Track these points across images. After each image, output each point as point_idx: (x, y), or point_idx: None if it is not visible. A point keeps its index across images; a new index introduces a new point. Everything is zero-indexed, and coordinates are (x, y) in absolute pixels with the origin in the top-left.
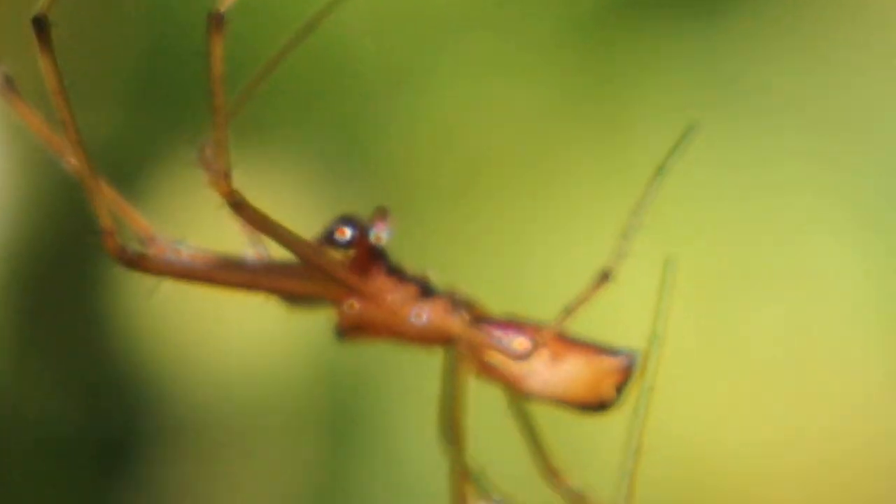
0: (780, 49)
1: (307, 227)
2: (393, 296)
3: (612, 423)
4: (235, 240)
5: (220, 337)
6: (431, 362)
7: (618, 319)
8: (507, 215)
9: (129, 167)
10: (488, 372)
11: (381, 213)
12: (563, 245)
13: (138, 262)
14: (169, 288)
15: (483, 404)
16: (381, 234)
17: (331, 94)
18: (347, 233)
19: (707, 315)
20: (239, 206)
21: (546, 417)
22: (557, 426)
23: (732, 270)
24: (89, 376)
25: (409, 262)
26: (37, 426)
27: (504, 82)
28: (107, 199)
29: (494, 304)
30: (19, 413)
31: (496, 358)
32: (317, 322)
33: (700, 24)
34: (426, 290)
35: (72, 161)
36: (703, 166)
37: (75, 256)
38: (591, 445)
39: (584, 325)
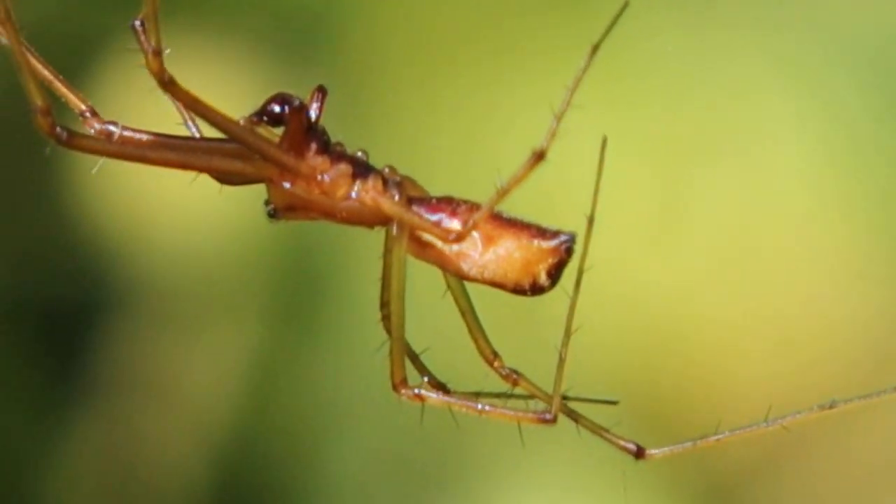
0: None
1: (244, 108)
2: (326, 174)
3: (557, 302)
4: (171, 118)
5: (172, 206)
6: (377, 239)
7: (560, 199)
8: (467, 97)
9: (64, 50)
10: (424, 253)
11: (318, 92)
12: (515, 121)
13: (72, 141)
14: (115, 161)
15: (429, 285)
16: (315, 112)
17: None
18: (279, 110)
19: (661, 184)
20: (169, 85)
21: (486, 298)
22: (496, 306)
23: (682, 137)
24: (34, 248)
25: (353, 142)
26: None
27: None
28: (40, 76)
29: (443, 180)
30: None
31: (430, 239)
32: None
33: None
34: (361, 169)
35: (1, 35)
36: (652, 33)
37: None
38: (530, 324)
39: (521, 205)
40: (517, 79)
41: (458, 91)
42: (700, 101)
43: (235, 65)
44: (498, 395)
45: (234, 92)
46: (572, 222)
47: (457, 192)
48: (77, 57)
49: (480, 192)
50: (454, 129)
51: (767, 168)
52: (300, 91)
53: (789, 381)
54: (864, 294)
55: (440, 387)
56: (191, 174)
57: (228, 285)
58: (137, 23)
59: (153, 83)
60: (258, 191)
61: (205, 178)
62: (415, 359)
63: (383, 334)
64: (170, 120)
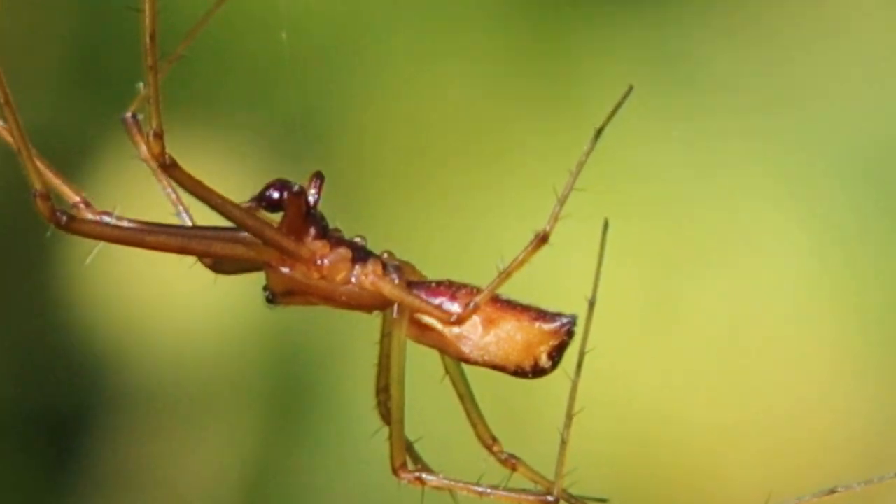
0: (724, 28)
1: (241, 195)
2: (325, 259)
3: (557, 388)
4: (162, 211)
5: (165, 306)
6: (374, 324)
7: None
8: (453, 189)
9: (62, 150)
10: (423, 336)
11: (316, 178)
12: (509, 218)
13: (70, 223)
14: (109, 258)
15: (425, 370)
16: (314, 197)
17: (274, 71)
18: (278, 196)
19: (649, 288)
20: (171, 168)
21: (490, 382)
22: (500, 390)
23: (675, 239)
24: (29, 347)
25: (348, 228)
26: None
27: (451, 60)
28: (39, 167)
29: (441, 270)
30: None
31: (430, 322)
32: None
33: (648, 4)
34: (360, 254)
35: (2, 130)
36: (646, 141)
37: (12, 226)
38: (529, 407)
39: (523, 289)
40: (510, 182)
41: (451, 196)
42: (689, 208)
43: (226, 161)
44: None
45: (226, 186)
46: (571, 306)
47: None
48: (68, 148)
49: (478, 277)
50: (443, 238)
51: (756, 277)
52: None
53: (783, 487)
54: (857, 396)
55: (435, 474)
56: (187, 267)
57: (221, 381)
58: (129, 115)
59: (147, 172)
60: (253, 280)
61: (200, 271)
62: (409, 447)
63: (378, 421)
64: (162, 213)
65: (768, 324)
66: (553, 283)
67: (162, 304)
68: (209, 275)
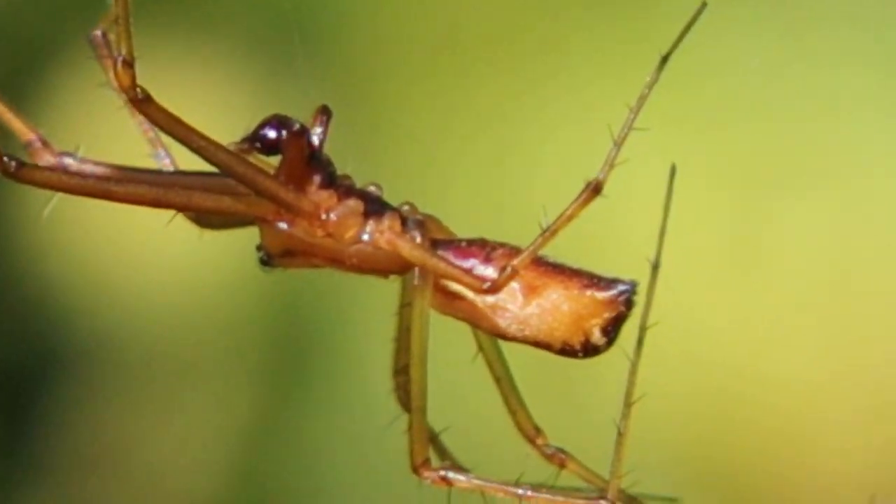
0: None
1: (231, 132)
2: (332, 213)
3: (614, 368)
4: (137, 149)
5: (142, 260)
6: (391, 290)
7: (611, 242)
8: (498, 110)
9: (12, 71)
10: (451, 307)
11: (321, 114)
12: (550, 147)
13: (24, 174)
14: (74, 204)
15: (449, 345)
16: (319, 138)
17: None
18: (275, 135)
19: (734, 219)
20: (143, 103)
21: (527, 360)
22: (538, 370)
23: (761, 162)
24: None
25: (360, 172)
26: None
27: None
28: None
29: (464, 223)
30: None
31: (460, 290)
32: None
33: None
34: (374, 206)
35: None
36: (725, 32)
37: None
38: (580, 395)
39: (570, 248)
40: (551, 87)
41: (479, 105)
42: (785, 118)
43: (218, 72)
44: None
45: (215, 109)
46: (631, 269)
47: (481, 234)
48: (22, 71)
49: (510, 234)
50: (477, 150)
51: (865, 201)
52: (290, 107)
53: (884, 456)
54: None
55: (464, 472)
56: (165, 214)
57: (206, 346)
58: (99, 32)
59: (118, 103)
60: (247, 234)
61: (180, 222)
62: (434, 439)
63: (395, 407)
64: (137, 151)
65: (876, 260)
66: (608, 241)
67: (138, 257)
68: (193, 228)
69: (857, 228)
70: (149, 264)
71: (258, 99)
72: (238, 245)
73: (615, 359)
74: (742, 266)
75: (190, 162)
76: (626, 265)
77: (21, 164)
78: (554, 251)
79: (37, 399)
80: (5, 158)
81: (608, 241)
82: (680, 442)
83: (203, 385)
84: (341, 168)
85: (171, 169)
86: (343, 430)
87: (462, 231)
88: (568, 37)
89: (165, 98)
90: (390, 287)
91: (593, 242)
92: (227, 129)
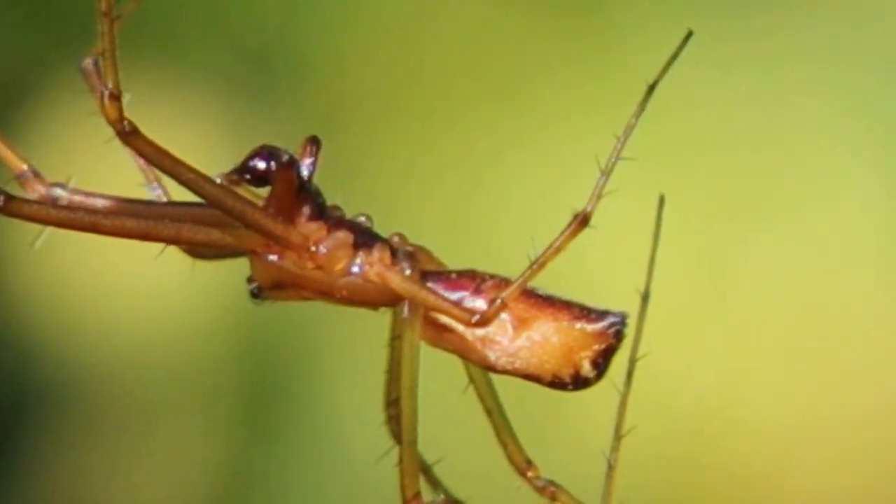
0: None
1: (218, 164)
2: (322, 244)
3: (598, 400)
4: (129, 179)
5: (122, 291)
6: (376, 323)
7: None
8: (467, 145)
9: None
10: (441, 339)
11: (311, 144)
12: (537, 182)
13: (12, 208)
14: (55, 234)
15: (441, 377)
16: (308, 169)
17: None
18: (264, 167)
19: (706, 260)
20: (131, 136)
21: (516, 393)
22: (528, 404)
23: (734, 195)
24: None
25: (344, 204)
26: None
27: None
28: None
29: (450, 255)
30: None
31: (450, 323)
32: (233, 275)
33: None
34: (364, 238)
35: None
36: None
37: None
38: (569, 427)
39: (558, 280)
40: (521, 122)
41: (450, 140)
42: (758, 150)
43: (196, 108)
44: None
45: (197, 139)
46: (618, 301)
47: (457, 264)
48: (12, 101)
49: (485, 260)
50: (448, 184)
51: (838, 233)
52: (270, 138)
53: (857, 495)
54: None
55: None
56: (155, 247)
57: (185, 379)
58: (89, 61)
59: (108, 133)
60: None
61: (172, 252)
62: (426, 471)
63: (386, 440)
64: (129, 180)
65: (847, 296)
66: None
67: (118, 288)
68: (170, 259)
69: (830, 264)
70: (125, 300)
71: (234, 133)
72: (224, 279)
73: (604, 391)
74: (714, 302)
75: (183, 192)
76: (613, 296)
77: (9, 198)
78: (543, 282)
79: (10, 435)
80: None
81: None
82: (655, 474)
83: (180, 422)
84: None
85: (163, 200)
86: (325, 467)
87: (443, 250)
88: (538, 71)
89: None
90: (373, 320)
91: (580, 272)
92: (207, 164)
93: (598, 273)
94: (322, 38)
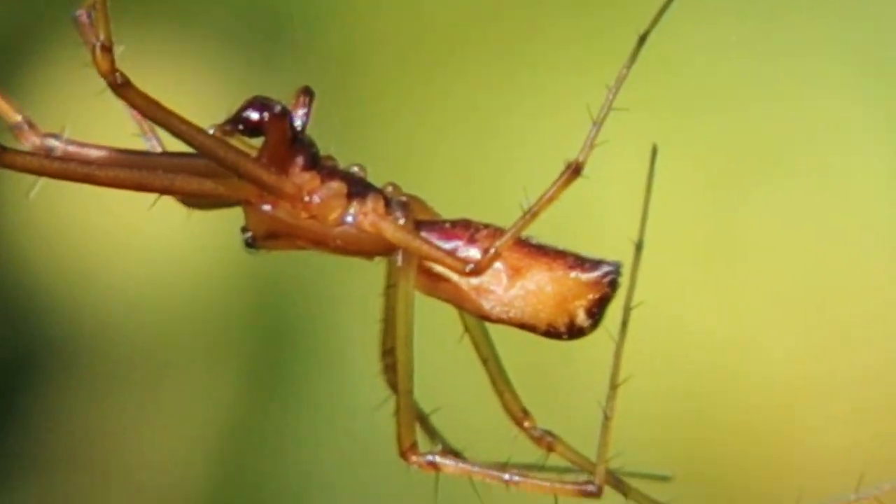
0: None
1: (212, 116)
2: (315, 194)
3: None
4: (124, 129)
5: (116, 244)
6: (379, 272)
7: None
8: (474, 99)
9: None
10: (435, 288)
11: (303, 94)
12: (531, 128)
13: (4, 159)
14: (55, 186)
15: (437, 326)
16: (301, 120)
17: None
18: (257, 117)
19: (713, 204)
20: (122, 88)
21: (512, 342)
22: (525, 352)
23: (740, 146)
24: None
25: (341, 153)
26: None
27: None
28: None
29: (446, 203)
30: None
31: (444, 272)
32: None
33: None
34: (357, 188)
35: None
36: (696, 20)
37: None
38: (567, 374)
39: (552, 229)
40: (531, 76)
41: (458, 94)
42: (763, 102)
43: (196, 63)
44: (529, 465)
45: (196, 94)
46: (614, 249)
47: (464, 216)
48: (7, 53)
49: (492, 215)
50: (456, 138)
51: (845, 185)
52: (274, 93)
53: (865, 453)
54: None
55: (455, 454)
56: (149, 197)
57: (191, 332)
58: (83, 13)
59: (102, 85)
60: (232, 215)
61: (166, 202)
62: (423, 420)
63: (383, 389)
64: (124, 131)
65: (858, 247)
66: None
67: (119, 235)
68: (177, 208)
69: (835, 214)
70: (131, 252)
71: (234, 90)
72: (222, 229)
73: (599, 340)
74: (720, 253)
75: (178, 143)
76: (609, 245)
77: (3, 149)
78: (538, 231)
79: (16, 393)
80: None
81: (589, 222)
82: (663, 425)
83: (186, 378)
84: (322, 143)
85: (158, 150)
86: (328, 422)
87: (443, 208)
88: (543, 26)
89: (144, 84)
90: (373, 271)
91: (575, 222)
92: (205, 120)
93: (594, 223)
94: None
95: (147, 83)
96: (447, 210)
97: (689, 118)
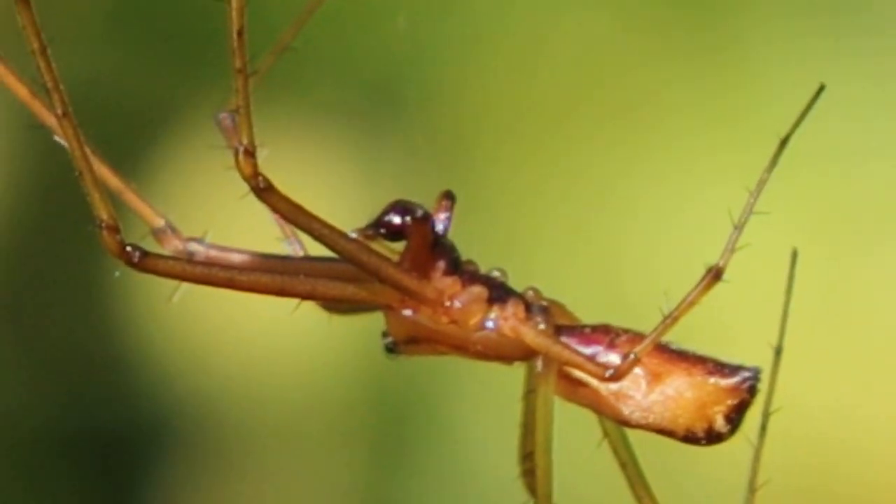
0: None
1: (351, 202)
2: (456, 300)
3: (734, 453)
4: (266, 231)
5: (249, 343)
6: (509, 374)
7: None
8: (584, 182)
9: (134, 137)
10: (575, 394)
11: (445, 198)
12: (657, 220)
13: (147, 264)
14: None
15: (575, 430)
16: (443, 224)
17: (371, 47)
18: (399, 222)
19: (840, 314)
20: (265, 192)
21: (650, 445)
22: (662, 455)
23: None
24: (95, 390)
25: (474, 255)
26: (42, 430)
27: (582, 11)
28: (104, 182)
29: (583, 307)
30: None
31: (583, 377)
32: (364, 329)
33: None
34: (498, 292)
35: (59, 133)
36: (828, 127)
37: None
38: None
39: (690, 333)
40: (647, 140)
41: (567, 168)
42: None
43: (328, 146)
44: None
45: (333, 179)
46: (747, 353)
47: (570, 302)
48: (151, 155)
49: (603, 303)
50: (569, 205)
51: None
52: (398, 168)
53: None
54: None
55: None
56: (291, 301)
57: (314, 426)
58: (225, 115)
59: (245, 188)
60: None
61: (306, 305)
62: None
63: (522, 493)
64: (266, 233)
65: None
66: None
67: (253, 330)
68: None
69: None
70: (261, 343)
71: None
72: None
73: (736, 445)
74: (847, 348)
75: (319, 246)
76: (746, 349)
77: (144, 254)
78: (675, 336)
79: (138, 474)
80: (129, 248)
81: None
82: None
83: (306, 467)
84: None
85: (300, 254)
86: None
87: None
88: (652, 95)
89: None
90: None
91: (711, 325)
92: (334, 204)
93: (730, 326)
94: (444, 68)
95: (282, 172)
96: (562, 287)
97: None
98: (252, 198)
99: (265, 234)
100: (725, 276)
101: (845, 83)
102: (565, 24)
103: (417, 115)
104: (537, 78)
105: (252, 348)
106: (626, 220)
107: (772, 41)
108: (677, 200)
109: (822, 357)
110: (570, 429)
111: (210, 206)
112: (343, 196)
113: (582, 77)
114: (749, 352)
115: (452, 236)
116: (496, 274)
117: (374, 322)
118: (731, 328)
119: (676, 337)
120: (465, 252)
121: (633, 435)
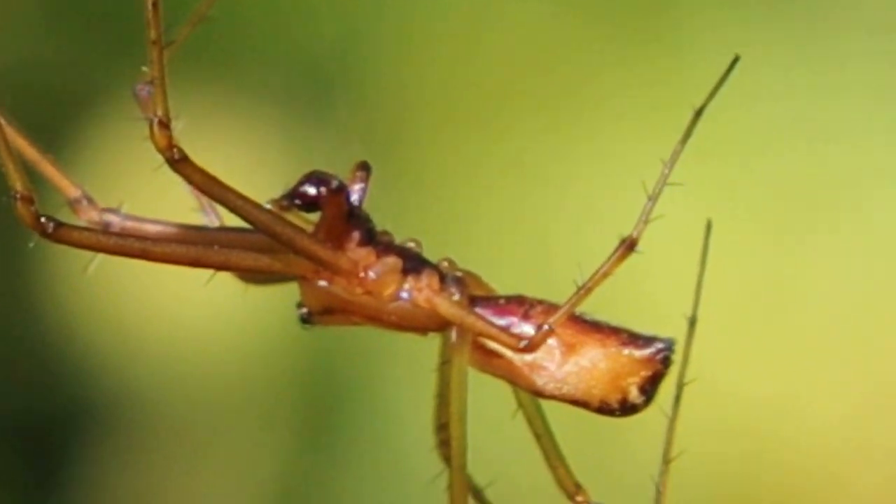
0: None
1: (268, 187)
2: (371, 270)
3: (648, 422)
4: (181, 202)
5: (176, 310)
6: (428, 346)
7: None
8: (519, 164)
9: (51, 109)
10: (489, 365)
11: (361, 169)
12: (590, 201)
13: (61, 235)
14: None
15: (490, 401)
16: (358, 195)
17: (307, 27)
18: (314, 193)
19: (761, 255)
20: (180, 163)
21: (565, 416)
22: (578, 427)
23: (789, 189)
24: (18, 365)
25: (394, 228)
26: None
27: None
28: (20, 153)
29: (501, 278)
30: None
31: (498, 348)
32: (285, 299)
33: None
34: (413, 264)
35: None
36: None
37: None
38: (620, 449)
39: (611, 306)
40: (577, 126)
41: (503, 151)
42: (806, 147)
43: (254, 122)
44: None
45: (256, 156)
46: (666, 325)
47: (503, 279)
48: (64, 125)
49: (534, 280)
50: (504, 189)
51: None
52: (326, 151)
53: None
54: None
55: None
56: (206, 272)
57: (242, 400)
58: (143, 87)
59: (160, 159)
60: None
61: (223, 277)
62: (478, 494)
63: (437, 463)
64: (182, 204)
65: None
66: (641, 294)
67: (172, 306)
68: (228, 279)
69: (887, 261)
70: (183, 319)
71: (290, 147)
72: (276, 301)
73: (651, 416)
74: (765, 322)
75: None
76: (660, 320)
77: (59, 225)
78: (590, 306)
79: (65, 453)
80: (43, 218)
81: (641, 296)
82: (709, 496)
83: (235, 446)
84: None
85: (216, 224)
86: (379, 490)
87: (494, 260)
88: (588, 80)
89: (199, 154)
90: (423, 341)
91: (625, 296)
92: (262, 182)
93: (645, 298)
94: (378, 51)
95: (205, 146)
96: (496, 265)
97: (740, 170)
98: (167, 169)
99: (183, 206)
100: (640, 247)
101: (783, 67)
102: (503, 8)
103: (353, 96)
104: (475, 62)
105: (176, 325)
106: (559, 199)
107: (707, 28)
108: (610, 182)
109: (746, 336)
110: (485, 400)
111: (129, 178)
112: (275, 175)
113: (519, 62)
114: (669, 324)
115: (390, 218)
116: (411, 245)
117: (296, 296)
118: (652, 300)
119: (597, 309)
120: (404, 233)
121: (550, 406)
